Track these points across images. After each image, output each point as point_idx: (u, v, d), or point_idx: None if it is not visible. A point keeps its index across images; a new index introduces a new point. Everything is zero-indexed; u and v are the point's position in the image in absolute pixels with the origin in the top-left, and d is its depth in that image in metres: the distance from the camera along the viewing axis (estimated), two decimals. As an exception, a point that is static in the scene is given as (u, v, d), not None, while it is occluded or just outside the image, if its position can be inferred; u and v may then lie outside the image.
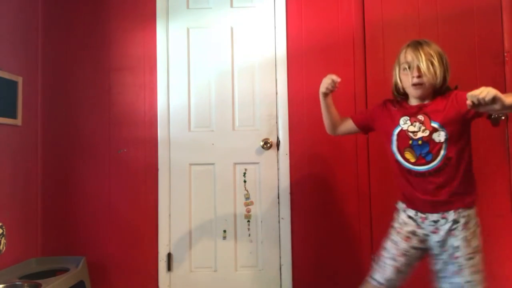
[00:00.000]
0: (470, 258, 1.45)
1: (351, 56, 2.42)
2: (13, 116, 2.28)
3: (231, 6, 2.53)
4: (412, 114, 1.53)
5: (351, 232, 2.37)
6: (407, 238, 1.55)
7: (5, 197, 2.21)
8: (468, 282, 1.43)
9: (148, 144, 2.49)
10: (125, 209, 2.47)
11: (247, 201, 2.46)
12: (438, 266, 1.52)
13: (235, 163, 2.48)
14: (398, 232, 1.58)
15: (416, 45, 1.50)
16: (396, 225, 1.62)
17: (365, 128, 1.75)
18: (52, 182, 2.50)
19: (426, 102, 1.54)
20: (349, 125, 1.77)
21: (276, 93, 2.46)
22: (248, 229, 2.45)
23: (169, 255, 2.46)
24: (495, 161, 2.28)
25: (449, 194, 1.47)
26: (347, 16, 2.44)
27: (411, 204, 1.57)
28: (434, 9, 2.37)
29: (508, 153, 2.28)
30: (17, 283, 2.02)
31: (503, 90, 2.27)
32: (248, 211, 2.46)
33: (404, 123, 1.54)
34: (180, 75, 2.52)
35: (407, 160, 1.53)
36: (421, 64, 1.47)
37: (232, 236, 2.45)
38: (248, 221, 2.46)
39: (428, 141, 1.48)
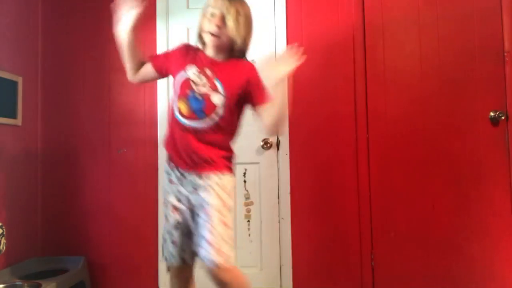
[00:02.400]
0: (217, 210, 1.43)
1: (351, 56, 2.41)
2: (13, 116, 2.28)
3: (231, 6, 2.53)
4: (202, 65, 1.49)
5: (351, 232, 2.37)
6: (174, 209, 1.52)
7: (5, 197, 2.21)
8: (213, 232, 1.40)
9: (148, 144, 2.49)
10: (125, 209, 2.47)
11: (247, 201, 2.46)
12: (193, 223, 1.50)
13: (235, 163, 2.47)
14: (166, 206, 1.54)
15: None
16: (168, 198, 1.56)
17: (163, 73, 1.61)
18: (52, 182, 2.50)
19: (219, 58, 1.50)
20: (147, 70, 1.61)
21: (276, 93, 2.46)
22: (248, 229, 2.45)
23: (169, 255, 2.46)
24: (495, 161, 2.28)
25: (209, 155, 1.47)
26: (347, 16, 2.43)
27: (175, 161, 1.52)
28: (434, 9, 2.37)
29: (508, 153, 2.28)
30: (17, 283, 2.02)
31: (503, 90, 2.28)
32: (248, 211, 2.46)
33: (190, 71, 1.49)
34: (180, 75, 2.52)
35: (179, 111, 1.48)
36: (227, 15, 1.42)
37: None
38: (248, 221, 2.46)
39: (205, 99, 1.44)
